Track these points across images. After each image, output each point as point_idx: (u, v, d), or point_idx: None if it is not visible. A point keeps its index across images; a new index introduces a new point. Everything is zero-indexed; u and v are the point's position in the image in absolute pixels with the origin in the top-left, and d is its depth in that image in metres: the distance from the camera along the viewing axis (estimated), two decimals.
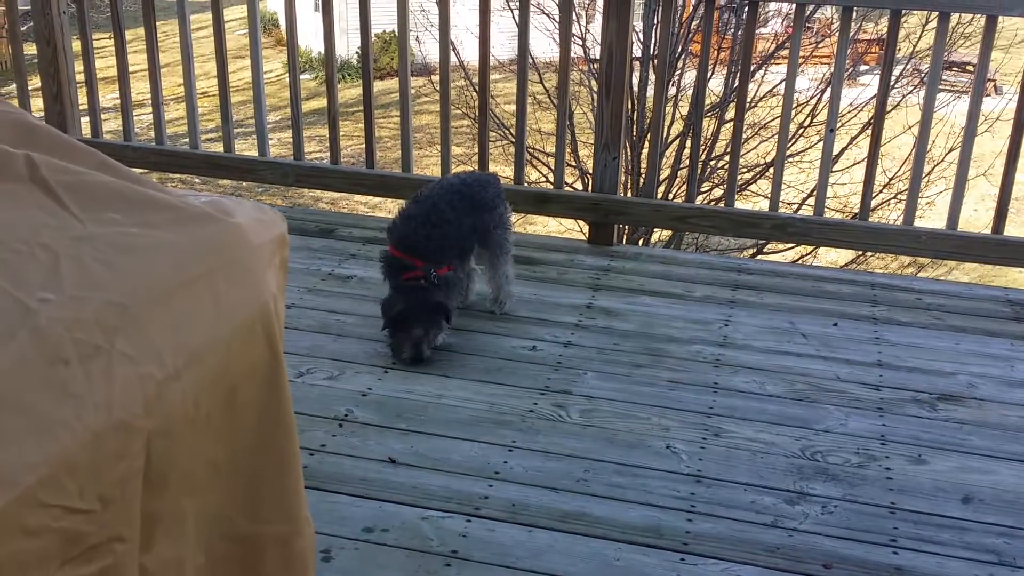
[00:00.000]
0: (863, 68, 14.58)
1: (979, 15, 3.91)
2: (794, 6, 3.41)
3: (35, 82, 4.05)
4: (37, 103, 4.04)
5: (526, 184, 3.93)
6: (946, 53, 11.78)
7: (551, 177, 3.78)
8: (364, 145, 3.77)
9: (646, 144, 7.13)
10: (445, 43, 3.58)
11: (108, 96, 8.00)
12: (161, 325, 0.97)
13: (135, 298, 0.95)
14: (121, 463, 0.90)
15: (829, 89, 3.83)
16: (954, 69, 16.16)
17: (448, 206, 2.83)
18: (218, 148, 3.99)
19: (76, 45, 3.93)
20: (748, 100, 9.52)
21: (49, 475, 0.81)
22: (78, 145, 1.11)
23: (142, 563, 0.96)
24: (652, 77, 7.12)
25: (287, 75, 3.74)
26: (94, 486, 0.86)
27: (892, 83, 9.65)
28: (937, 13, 3.26)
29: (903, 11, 3.33)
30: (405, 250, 2.78)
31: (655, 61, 4.23)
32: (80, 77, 3.96)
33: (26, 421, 0.82)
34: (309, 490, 2.19)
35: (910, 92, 9.51)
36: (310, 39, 15.83)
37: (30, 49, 4.06)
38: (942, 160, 8.73)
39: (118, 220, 1.02)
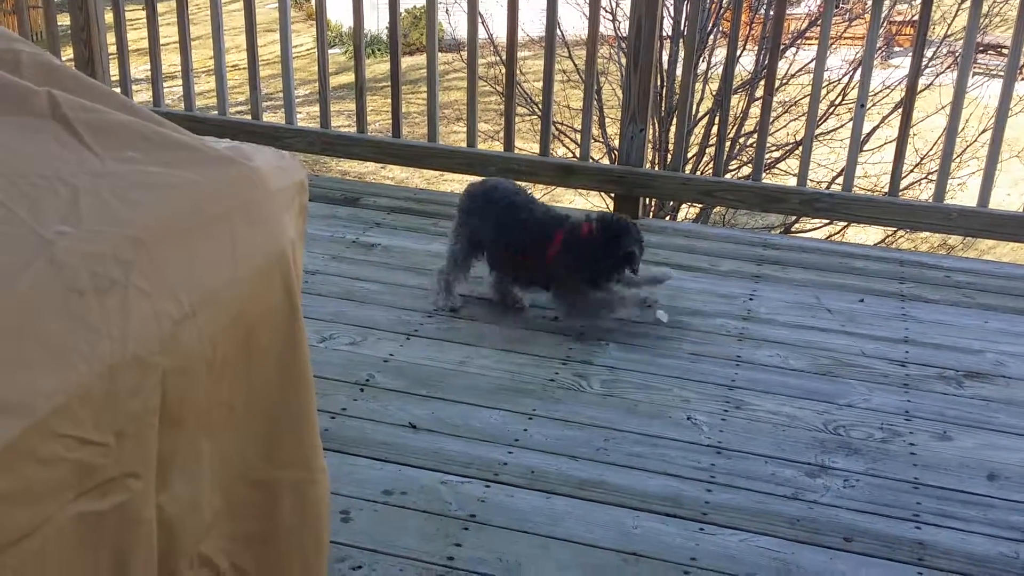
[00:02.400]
0: (896, 50, 14.36)
1: None
2: None
3: (68, 53, 4.08)
4: None
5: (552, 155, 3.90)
6: (981, 35, 11.57)
7: (578, 153, 3.76)
8: (391, 116, 3.76)
9: (674, 121, 7.08)
10: (473, 14, 3.56)
11: (140, 67, 8.05)
12: (178, 263, 0.97)
13: (152, 234, 0.95)
14: (136, 398, 0.91)
15: (860, 66, 3.77)
16: (989, 52, 15.87)
17: None
18: (247, 118, 4.01)
19: (109, 17, 3.95)
20: (779, 78, 9.46)
21: (64, 404, 0.82)
22: (100, 86, 1.12)
23: (159, 502, 0.97)
24: (682, 53, 7.04)
25: (316, 49, 3.74)
26: (109, 419, 0.87)
27: (925, 64, 9.52)
28: None
29: None
30: None
31: (684, 37, 4.17)
32: (112, 49, 3.99)
33: (41, 349, 0.83)
34: (330, 452, 2.21)
35: (942, 72, 9.35)
36: (341, 14, 15.78)
37: (63, 20, 4.07)
38: (974, 141, 8.60)
39: (138, 158, 1.02)
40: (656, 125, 8.24)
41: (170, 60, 4.03)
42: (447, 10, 10.57)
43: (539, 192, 10.92)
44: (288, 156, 1.22)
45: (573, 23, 8.17)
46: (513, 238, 2.78)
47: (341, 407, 2.39)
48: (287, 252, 1.09)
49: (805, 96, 8.12)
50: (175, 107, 4.25)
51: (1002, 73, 3.24)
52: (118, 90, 4.07)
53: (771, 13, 7.99)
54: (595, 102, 9.43)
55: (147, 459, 0.93)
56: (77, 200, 0.93)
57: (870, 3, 3.32)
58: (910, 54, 3.35)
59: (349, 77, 5.10)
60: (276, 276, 1.08)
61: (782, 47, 9.48)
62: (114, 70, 4.02)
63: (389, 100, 3.80)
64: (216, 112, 3.95)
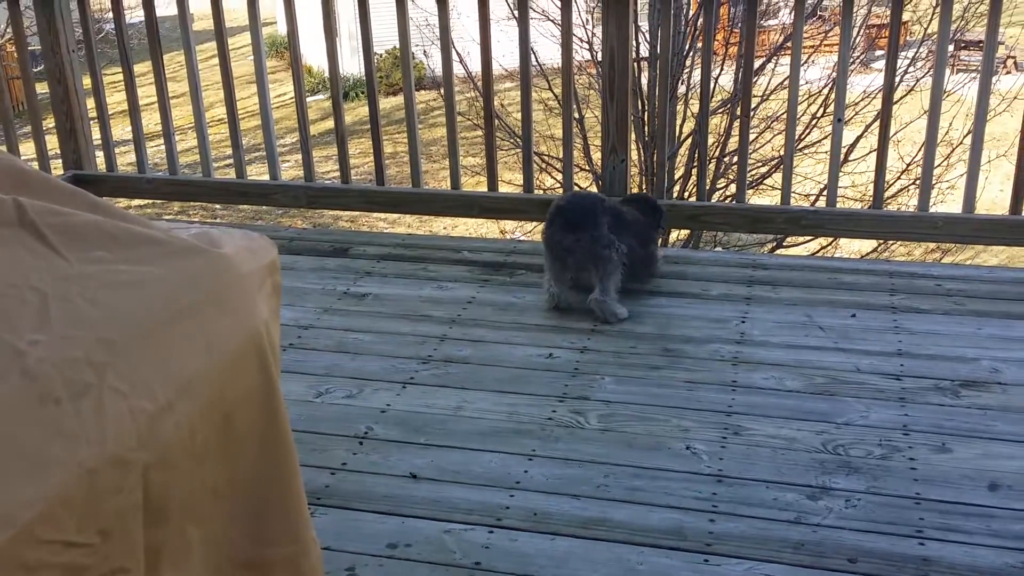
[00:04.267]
0: (878, 54, 14.49)
1: None
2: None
3: (50, 120, 4.12)
4: (52, 141, 4.11)
5: (539, 191, 3.92)
6: (964, 32, 11.59)
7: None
8: (374, 164, 3.79)
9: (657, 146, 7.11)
10: (447, 55, 3.60)
11: (125, 128, 8.13)
12: (151, 358, 0.98)
13: (124, 333, 0.97)
14: (118, 496, 0.92)
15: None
16: (971, 49, 15.99)
17: None
18: (232, 174, 4.04)
19: (87, 81, 4.00)
20: (761, 93, 9.52)
21: (46, 511, 0.83)
22: (67, 187, 1.14)
23: None
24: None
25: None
26: (92, 520, 0.88)
27: (906, 68, 9.59)
28: None
29: None
30: None
31: (659, 61, 4.21)
32: (93, 113, 4.03)
33: (19, 460, 0.84)
34: (332, 508, 2.22)
35: (924, 75, 9.42)
36: (323, 60, 15.92)
37: (42, 88, 4.12)
38: (960, 142, 8.65)
39: (106, 258, 1.04)
40: (641, 150, 8.29)
41: (155, 119, 4.07)
42: (425, 51, 10.69)
43: (527, 228, 10.99)
44: (258, 236, 1.24)
45: (552, 53, 8.27)
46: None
47: (341, 462, 2.39)
48: (261, 333, 1.11)
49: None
50: (161, 167, 4.28)
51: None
52: (101, 154, 4.10)
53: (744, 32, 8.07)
54: (578, 130, 9.50)
55: (135, 553, 0.94)
56: (47, 306, 0.95)
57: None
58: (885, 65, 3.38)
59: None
60: (251, 358, 1.09)
61: (761, 61, 9.58)
62: (96, 134, 4.06)
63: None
64: (201, 174, 3.98)
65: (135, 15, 6.06)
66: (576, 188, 3.69)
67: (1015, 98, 8.77)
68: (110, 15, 3.93)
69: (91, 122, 4.06)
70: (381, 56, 17.38)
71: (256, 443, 1.13)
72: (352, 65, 18.74)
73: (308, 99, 4.61)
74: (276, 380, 1.16)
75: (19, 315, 0.93)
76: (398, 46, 3.57)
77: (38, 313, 0.94)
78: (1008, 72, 15.91)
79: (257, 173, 5.18)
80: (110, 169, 4.11)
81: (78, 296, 0.98)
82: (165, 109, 3.84)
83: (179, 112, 5.58)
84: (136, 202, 10.27)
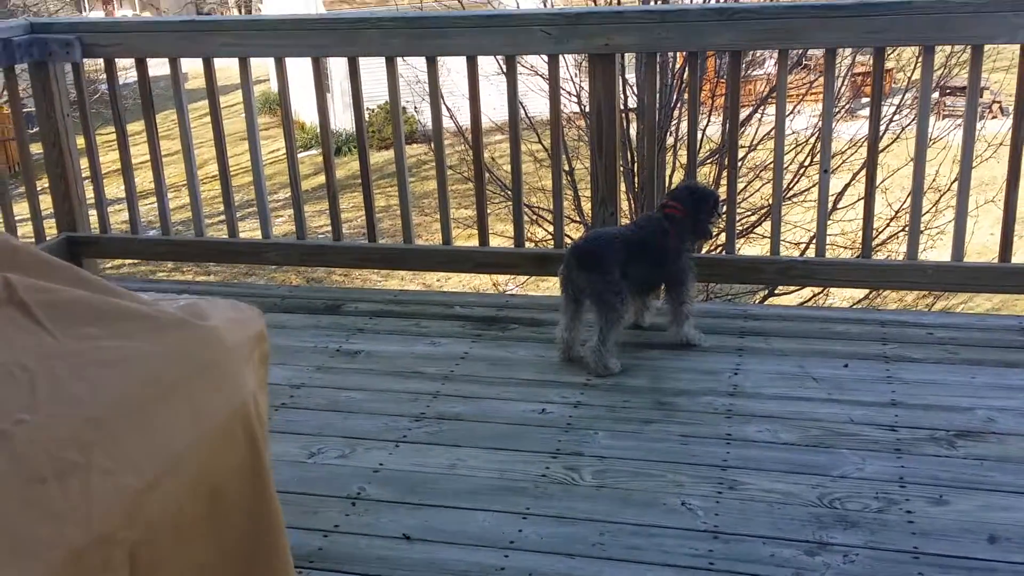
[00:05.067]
0: (864, 101, 14.67)
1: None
2: (777, 51, 3.45)
3: (44, 182, 4.14)
4: (46, 200, 4.13)
5: (531, 243, 3.94)
6: (948, 79, 11.73)
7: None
8: (366, 221, 3.81)
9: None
10: (437, 113, 3.64)
11: (120, 186, 8.17)
12: (138, 436, 0.98)
13: (110, 411, 0.97)
14: (105, 575, 0.91)
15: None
16: (956, 94, 16.20)
17: None
18: (224, 233, 4.05)
19: (81, 141, 4.02)
20: (749, 143, 9.62)
21: None
22: (55, 262, 1.14)
23: None
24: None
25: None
26: None
27: (891, 116, 9.70)
28: (920, 47, 3.29)
29: (886, 48, 3.35)
30: None
31: (647, 114, 4.26)
32: (87, 172, 4.05)
33: (7, 542, 0.83)
34: (324, 572, 2.20)
35: (910, 123, 9.53)
36: (315, 115, 16.08)
37: (37, 148, 4.15)
38: (949, 188, 8.72)
39: (93, 334, 1.04)
40: (631, 201, 8.35)
41: (147, 177, 4.09)
42: (416, 107, 10.79)
43: (520, 280, 11.01)
44: (245, 307, 1.24)
45: (541, 106, 8.36)
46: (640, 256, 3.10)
47: (333, 524, 2.37)
48: (248, 405, 1.10)
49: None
50: (155, 224, 4.27)
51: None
52: (95, 213, 4.11)
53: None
54: (568, 182, 9.56)
55: None
56: (35, 385, 0.95)
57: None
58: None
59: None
60: (239, 431, 1.09)
61: (748, 112, 9.69)
62: (90, 194, 4.07)
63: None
64: (193, 232, 3.99)
65: (130, 75, 6.13)
66: (568, 238, 3.69)
67: (1001, 144, 8.85)
68: (104, 75, 3.96)
69: (84, 182, 4.08)
70: (373, 111, 17.55)
71: (244, 516, 1.12)
72: (345, 120, 18.90)
73: (301, 154, 4.63)
74: (264, 452, 1.15)
75: (7, 394, 0.93)
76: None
77: (25, 391, 0.94)
78: (994, 117, 16.11)
79: (250, 228, 5.20)
80: (104, 230, 4.12)
81: (65, 373, 0.98)
82: (158, 171, 3.87)
83: (172, 170, 5.62)
84: (130, 260, 10.27)
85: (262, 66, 13.95)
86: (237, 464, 1.10)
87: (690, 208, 3.20)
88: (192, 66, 4.36)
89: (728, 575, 2.12)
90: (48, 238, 4.04)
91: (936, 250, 8.65)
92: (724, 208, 3.41)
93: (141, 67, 3.82)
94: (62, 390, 0.97)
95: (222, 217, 3.99)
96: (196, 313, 1.15)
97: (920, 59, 3.29)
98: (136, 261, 10.66)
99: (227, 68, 4.71)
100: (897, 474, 2.46)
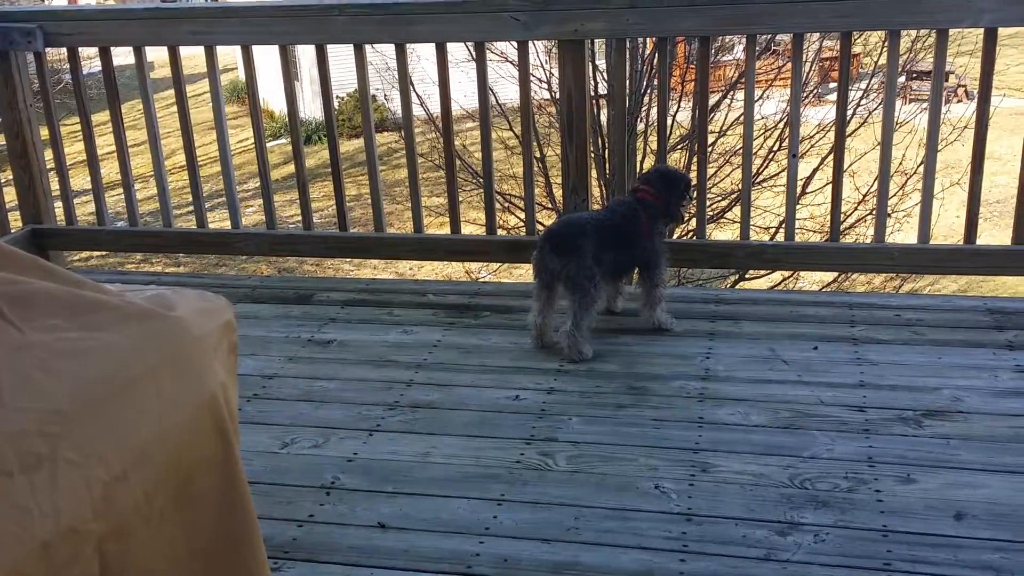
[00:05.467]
0: (832, 86, 14.77)
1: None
2: (745, 36, 3.46)
3: (8, 174, 4.08)
4: (11, 192, 4.07)
5: (503, 231, 3.94)
6: (914, 63, 11.80)
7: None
8: (336, 210, 3.79)
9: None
10: (407, 100, 3.62)
11: (86, 177, 8.08)
12: (105, 428, 0.97)
13: (77, 403, 0.96)
14: (73, 568, 0.90)
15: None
16: (923, 78, 16.36)
17: None
18: (193, 223, 4.01)
19: (45, 132, 3.97)
20: (719, 128, 9.67)
21: None
22: (20, 255, 1.13)
23: None
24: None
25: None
26: None
27: (858, 100, 9.78)
28: (886, 32, 3.32)
29: (853, 32, 3.38)
30: None
31: (617, 101, 4.26)
32: (52, 164, 3.99)
33: None
34: (299, 562, 2.19)
35: (877, 107, 9.61)
36: (285, 104, 15.98)
37: None
38: (915, 172, 8.82)
39: (59, 326, 1.03)
40: (603, 187, 8.37)
41: (115, 168, 4.04)
42: (386, 95, 10.73)
43: (493, 267, 11.01)
44: (213, 296, 1.24)
45: (512, 93, 8.34)
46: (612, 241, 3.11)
47: (308, 514, 2.36)
48: (217, 395, 1.10)
49: None
50: (122, 216, 4.23)
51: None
52: (60, 204, 4.07)
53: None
54: (539, 168, 9.56)
55: None
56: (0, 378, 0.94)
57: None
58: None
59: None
60: (207, 421, 1.08)
61: (718, 97, 9.73)
62: (56, 186, 4.02)
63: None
64: (161, 224, 3.95)
65: (94, 65, 6.05)
66: (540, 225, 3.69)
67: (966, 127, 8.96)
68: (68, 65, 3.90)
69: (50, 174, 4.02)
70: (343, 99, 17.43)
71: (215, 507, 1.12)
72: (315, 108, 18.79)
73: (271, 143, 4.59)
74: (234, 442, 1.15)
75: None
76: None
77: None
78: (959, 101, 16.31)
79: (220, 218, 5.15)
80: (70, 222, 4.07)
81: (31, 366, 0.97)
82: (124, 161, 3.83)
83: (140, 160, 5.55)
84: (97, 252, 10.16)
85: (230, 55, 13.83)
86: (207, 455, 1.10)
87: (662, 191, 3.23)
88: (158, 55, 4.31)
89: (701, 556, 2.14)
90: (13, 231, 3.99)
91: (903, 233, 8.75)
92: (695, 192, 3.43)
93: (105, 56, 3.77)
94: (27, 383, 0.95)
95: (191, 208, 3.95)
96: (163, 303, 1.14)
97: (886, 44, 3.31)
98: (104, 253, 10.54)
99: (194, 57, 4.66)
100: (866, 454, 2.49)
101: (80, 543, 0.90)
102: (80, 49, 3.87)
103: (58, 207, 4.14)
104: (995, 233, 12.69)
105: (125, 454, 0.96)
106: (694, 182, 3.44)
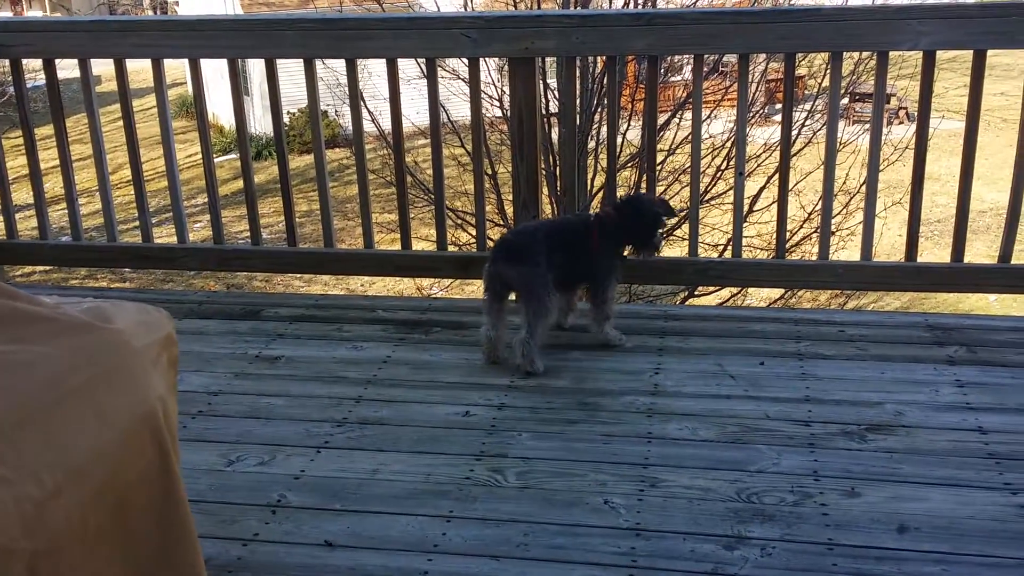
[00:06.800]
0: (778, 106, 15.03)
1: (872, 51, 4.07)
2: (693, 56, 3.51)
3: None
4: None
5: (455, 247, 3.94)
6: (857, 85, 12.07)
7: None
8: (285, 225, 3.76)
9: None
10: (357, 115, 3.61)
11: (28, 192, 7.91)
12: (39, 442, 0.95)
13: (9, 418, 0.93)
14: None
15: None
16: (866, 100, 16.74)
17: None
18: (139, 238, 3.95)
19: None
20: (668, 147, 9.78)
21: None
22: None
23: None
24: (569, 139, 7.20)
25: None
26: None
27: (803, 121, 9.96)
28: (829, 54, 3.39)
29: (797, 54, 3.45)
30: None
31: (567, 119, 4.30)
32: None
33: None
34: None
35: (821, 127, 9.80)
36: (234, 119, 15.86)
37: None
38: (858, 191, 9.00)
39: None
40: (554, 204, 8.41)
41: (59, 183, 3.97)
42: (336, 111, 10.69)
43: (444, 283, 10.98)
44: (153, 310, 1.21)
45: (463, 110, 8.36)
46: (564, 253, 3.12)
47: (253, 533, 2.33)
48: (156, 409, 1.08)
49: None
50: (67, 231, 4.14)
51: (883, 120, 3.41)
52: (0, 218, 3.97)
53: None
54: (491, 185, 9.59)
55: None
56: None
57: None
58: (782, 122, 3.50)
59: None
60: (146, 436, 1.06)
61: (667, 116, 9.85)
62: None
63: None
64: (105, 239, 3.88)
65: (39, 78, 5.95)
66: (491, 241, 3.69)
67: (907, 148, 9.17)
68: (11, 77, 3.83)
69: None
70: (294, 115, 17.32)
71: (154, 523, 1.09)
72: (266, 123, 18.62)
73: (221, 158, 4.54)
74: (173, 458, 1.12)
75: None
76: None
77: None
78: (901, 122, 16.72)
79: (167, 233, 5.08)
80: (11, 236, 3.98)
81: None
82: (68, 175, 3.76)
83: (85, 175, 5.45)
84: (40, 268, 9.95)
85: (180, 68, 13.66)
86: (145, 470, 1.07)
87: (626, 216, 3.19)
88: (105, 68, 4.25)
89: (650, 571, 2.15)
90: None
91: (847, 250, 8.91)
92: (664, 228, 3.44)
93: (49, 68, 3.71)
94: None
95: (137, 223, 3.89)
96: (100, 316, 1.11)
97: (829, 65, 3.38)
98: (48, 268, 10.33)
99: (142, 71, 4.60)
100: (811, 468, 2.52)
101: (10, 562, 0.87)
102: (24, 61, 3.79)
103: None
104: (936, 251, 12.99)
105: (60, 470, 0.94)
106: (673, 220, 3.48)
